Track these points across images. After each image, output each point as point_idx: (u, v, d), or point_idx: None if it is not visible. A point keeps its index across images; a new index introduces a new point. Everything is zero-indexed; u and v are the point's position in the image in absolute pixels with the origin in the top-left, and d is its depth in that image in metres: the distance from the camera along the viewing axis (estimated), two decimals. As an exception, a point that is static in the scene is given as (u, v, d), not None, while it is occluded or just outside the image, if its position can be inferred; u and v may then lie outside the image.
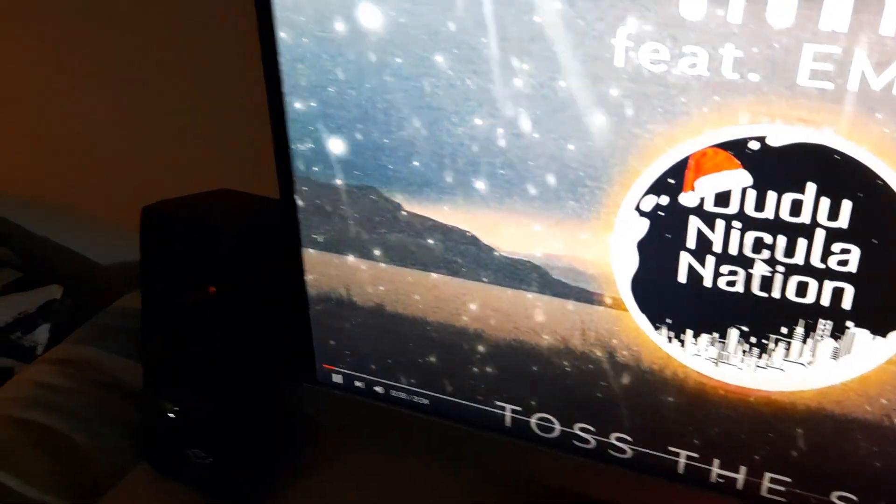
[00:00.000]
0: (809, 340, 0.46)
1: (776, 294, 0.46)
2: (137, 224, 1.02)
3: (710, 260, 0.47)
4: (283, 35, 0.52)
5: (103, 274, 1.12)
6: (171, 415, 0.68)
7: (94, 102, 1.02)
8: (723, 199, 0.45)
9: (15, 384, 0.83)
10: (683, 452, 0.54)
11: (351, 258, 0.59)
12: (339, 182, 0.56)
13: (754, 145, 0.42)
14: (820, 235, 0.43)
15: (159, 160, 0.99)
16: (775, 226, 0.44)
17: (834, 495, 0.51)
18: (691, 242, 0.46)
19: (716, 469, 0.54)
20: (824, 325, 0.46)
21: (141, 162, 1.02)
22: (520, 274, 0.53)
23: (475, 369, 0.59)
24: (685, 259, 0.47)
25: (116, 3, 0.93)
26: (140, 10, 0.91)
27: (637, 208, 0.47)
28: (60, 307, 0.95)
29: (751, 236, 0.45)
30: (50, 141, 1.09)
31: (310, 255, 0.61)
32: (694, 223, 0.46)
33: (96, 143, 1.05)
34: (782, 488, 0.52)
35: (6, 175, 1.16)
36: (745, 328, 0.48)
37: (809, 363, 0.47)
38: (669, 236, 0.47)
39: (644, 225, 0.47)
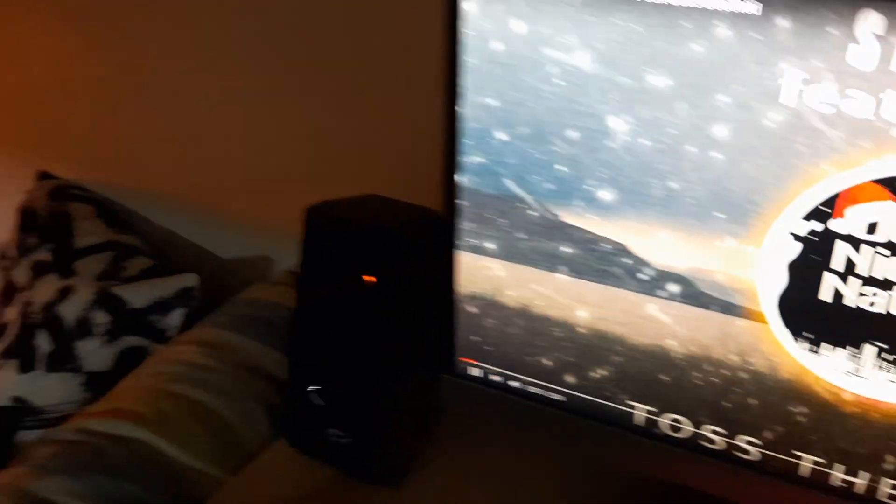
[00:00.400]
0: (942, 359, 0.51)
1: (914, 316, 0.51)
2: (264, 220, 1.10)
3: (855, 282, 0.52)
4: (465, 53, 0.59)
5: (221, 265, 1.20)
6: (317, 397, 0.75)
7: (238, 105, 1.10)
8: (872, 227, 0.50)
9: (160, 361, 0.91)
10: (808, 457, 0.59)
11: (502, 262, 0.65)
12: (499, 192, 0.63)
13: (908, 182, 0.48)
14: (962, 265, 0.48)
15: (298, 162, 1.07)
16: (920, 254, 0.49)
17: (951, 504, 0.56)
18: (839, 265, 0.52)
19: (838, 473, 0.59)
20: (957, 347, 0.51)
21: (273, 163, 1.10)
22: (667, 284, 0.59)
23: (612, 370, 0.64)
24: (831, 280, 0.52)
25: (284, 10, 1.01)
26: (308, 17, 0.99)
27: (790, 232, 0.52)
28: (196, 294, 1.03)
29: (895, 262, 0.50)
30: (185, 139, 1.18)
31: (462, 256, 0.67)
32: (842, 248, 0.51)
33: (232, 143, 1.13)
34: (901, 495, 0.57)
35: (140, 169, 1.25)
36: (881, 345, 0.53)
37: (940, 380, 0.52)
38: (819, 259, 0.52)
39: (796, 247, 0.52)
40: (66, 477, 0.74)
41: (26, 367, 1.03)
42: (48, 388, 1.02)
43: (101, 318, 1.01)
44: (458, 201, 0.65)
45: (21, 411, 1.03)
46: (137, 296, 1.02)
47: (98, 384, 1.01)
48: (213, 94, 1.12)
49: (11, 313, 1.09)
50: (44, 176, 1.28)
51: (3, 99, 1.37)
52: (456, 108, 0.62)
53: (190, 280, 1.02)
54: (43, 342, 1.03)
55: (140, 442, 0.79)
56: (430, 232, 0.71)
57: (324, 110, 1.02)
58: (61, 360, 1.02)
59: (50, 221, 1.15)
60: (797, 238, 0.52)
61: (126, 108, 1.23)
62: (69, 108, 1.31)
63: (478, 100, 0.60)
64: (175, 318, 1.02)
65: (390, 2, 0.92)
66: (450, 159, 0.64)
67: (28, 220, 1.18)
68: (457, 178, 0.64)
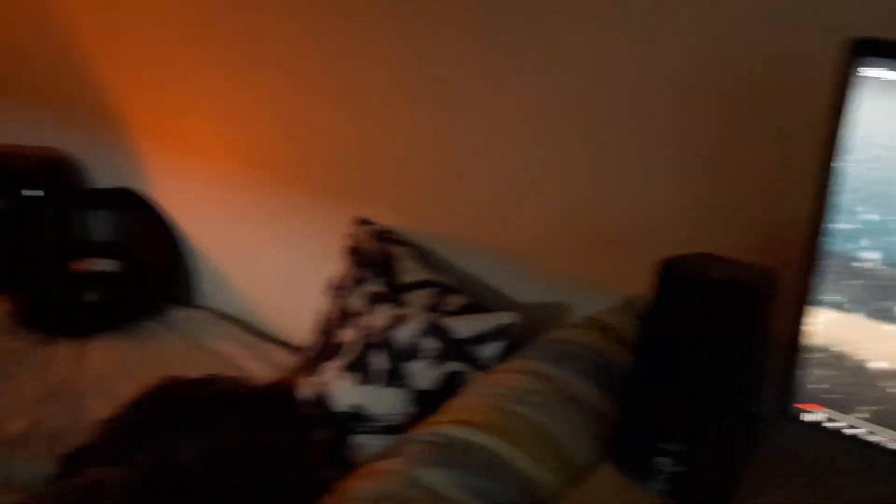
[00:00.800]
0: None
1: None
2: (564, 270, 1.22)
3: None
4: (847, 133, 0.69)
5: (516, 308, 1.35)
6: (668, 447, 0.86)
7: (553, 162, 1.26)
8: None
9: (490, 384, 1.05)
10: None
11: (851, 316, 0.74)
12: (863, 255, 0.72)
13: None
14: None
15: (600, 218, 1.20)
16: None
17: None
18: None
19: None
20: None
21: (578, 218, 1.24)
22: None
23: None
24: None
25: (632, 73, 1.14)
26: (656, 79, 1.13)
27: None
28: (513, 331, 1.17)
29: None
30: (497, 192, 1.35)
31: (815, 311, 0.76)
32: None
33: (540, 197, 1.29)
34: None
35: (444, 218, 1.43)
36: None
37: None
38: None
39: None
40: (441, 469, 0.89)
41: (365, 380, 1.22)
42: (382, 400, 1.20)
43: (430, 343, 1.18)
44: (816, 261, 0.75)
45: (358, 417, 1.22)
46: (462, 327, 1.18)
47: (424, 401, 1.17)
48: (527, 151, 1.28)
49: (348, 334, 1.29)
50: (363, 221, 1.50)
51: (335, 154, 1.61)
52: (830, 179, 0.71)
53: (509, 317, 1.17)
54: (379, 360, 1.21)
55: (489, 448, 0.93)
56: (770, 287, 0.81)
57: (634, 173, 1.15)
58: (394, 377, 1.20)
59: (378, 260, 1.36)
60: None
61: (439, 163, 1.42)
62: (389, 162, 1.52)
63: (849, 171, 0.70)
64: (493, 349, 1.17)
65: (766, 72, 1.03)
66: (816, 224, 0.74)
67: (357, 257, 1.39)
68: (820, 240, 0.74)
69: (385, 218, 1.50)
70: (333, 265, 1.54)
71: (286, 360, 1.72)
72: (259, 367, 1.73)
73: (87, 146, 2.14)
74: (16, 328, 1.85)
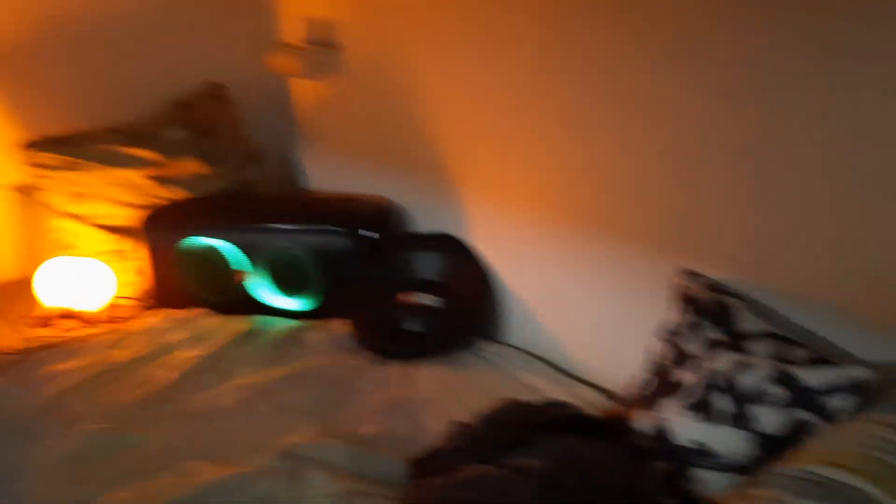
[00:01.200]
0: None
1: None
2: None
3: None
4: None
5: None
6: None
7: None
8: None
9: (853, 432, 1.09)
10: None
11: None
12: None
13: None
14: None
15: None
16: None
17: None
18: None
19: None
20: None
21: None
22: None
23: None
24: None
25: None
26: None
27: None
28: (868, 386, 1.19)
29: None
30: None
31: None
32: None
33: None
34: None
35: (785, 275, 1.47)
36: None
37: None
38: None
39: None
40: (815, 501, 0.95)
41: (707, 419, 1.29)
42: (725, 440, 1.27)
43: (777, 391, 1.24)
44: None
45: (699, 454, 1.29)
46: (813, 378, 1.22)
47: (768, 445, 1.23)
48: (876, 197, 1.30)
49: (687, 375, 1.38)
50: (689, 272, 1.59)
51: (654, 207, 1.70)
52: None
53: (864, 372, 1.19)
54: (723, 402, 1.29)
55: (863, 491, 0.97)
56: None
57: None
58: (739, 419, 1.26)
59: (714, 309, 1.44)
60: None
61: (770, 217, 1.46)
62: (712, 216, 1.58)
63: None
64: (844, 402, 1.19)
65: None
66: None
67: (691, 305, 1.48)
68: None
69: (706, 270, 1.57)
70: (647, 312, 1.63)
71: (595, 399, 1.82)
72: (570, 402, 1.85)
73: (414, 195, 2.43)
74: (356, 347, 2.14)
